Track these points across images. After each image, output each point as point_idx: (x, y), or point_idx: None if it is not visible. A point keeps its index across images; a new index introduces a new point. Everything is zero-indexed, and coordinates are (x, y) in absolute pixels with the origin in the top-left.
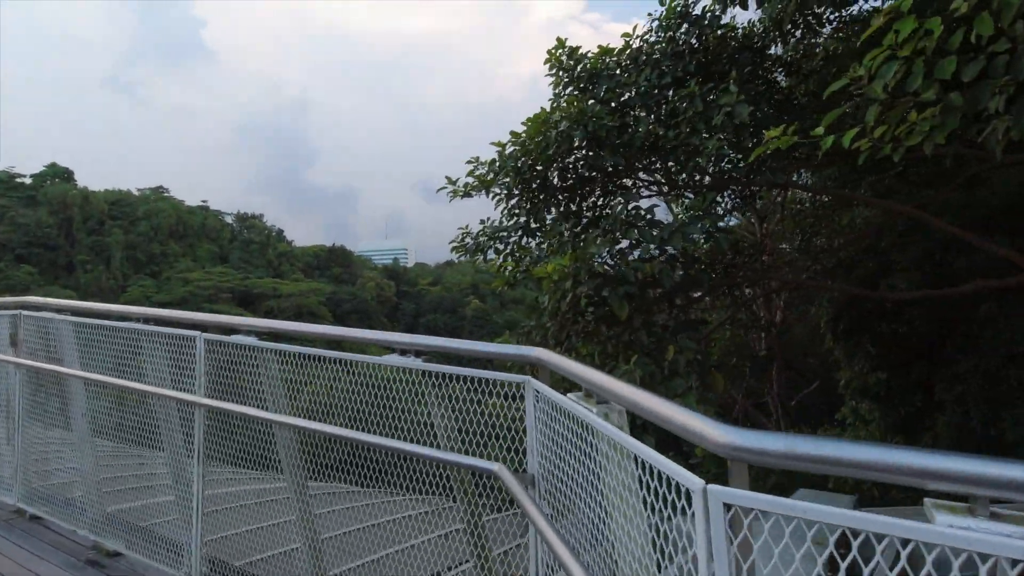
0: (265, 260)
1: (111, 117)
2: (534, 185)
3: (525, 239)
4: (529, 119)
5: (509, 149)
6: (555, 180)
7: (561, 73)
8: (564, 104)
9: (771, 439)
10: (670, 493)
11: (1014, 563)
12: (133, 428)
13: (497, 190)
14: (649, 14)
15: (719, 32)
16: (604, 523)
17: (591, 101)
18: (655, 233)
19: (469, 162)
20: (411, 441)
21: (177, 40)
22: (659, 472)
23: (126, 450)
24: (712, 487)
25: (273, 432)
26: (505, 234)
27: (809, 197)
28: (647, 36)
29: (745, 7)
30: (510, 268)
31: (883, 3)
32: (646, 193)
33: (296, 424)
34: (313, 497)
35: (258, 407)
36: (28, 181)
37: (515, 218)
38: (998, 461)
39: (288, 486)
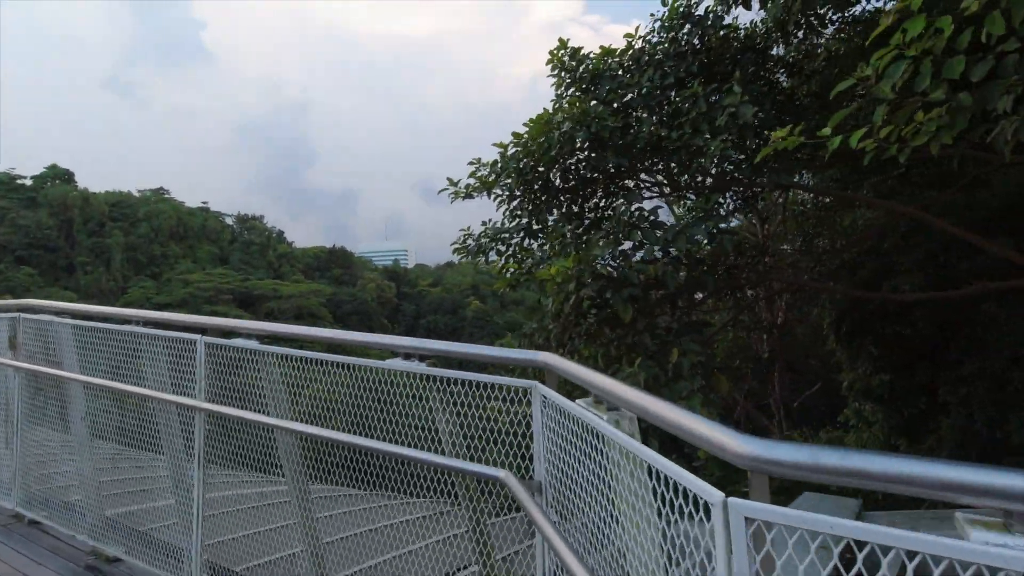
0: (265, 261)
1: (111, 118)
2: (536, 186)
3: (527, 240)
4: (531, 120)
5: (511, 150)
6: (557, 181)
7: (563, 74)
8: (566, 105)
9: (795, 450)
10: (687, 505)
11: None
12: (133, 431)
13: (499, 191)
14: (652, 14)
15: (721, 33)
16: (615, 533)
17: (593, 102)
18: (658, 235)
19: (471, 163)
20: (414, 446)
21: (177, 41)
22: (675, 483)
23: (126, 453)
24: (733, 500)
25: (274, 435)
26: (507, 235)
27: (811, 198)
28: (649, 37)
29: (748, 7)
30: (512, 270)
31: (885, 3)
32: (647, 194)
33: (299, 430)
34: (314, 500)
35: (259, 411)
36: (29, 183)
37: (517, 219)
38: None
39: (289, 489)
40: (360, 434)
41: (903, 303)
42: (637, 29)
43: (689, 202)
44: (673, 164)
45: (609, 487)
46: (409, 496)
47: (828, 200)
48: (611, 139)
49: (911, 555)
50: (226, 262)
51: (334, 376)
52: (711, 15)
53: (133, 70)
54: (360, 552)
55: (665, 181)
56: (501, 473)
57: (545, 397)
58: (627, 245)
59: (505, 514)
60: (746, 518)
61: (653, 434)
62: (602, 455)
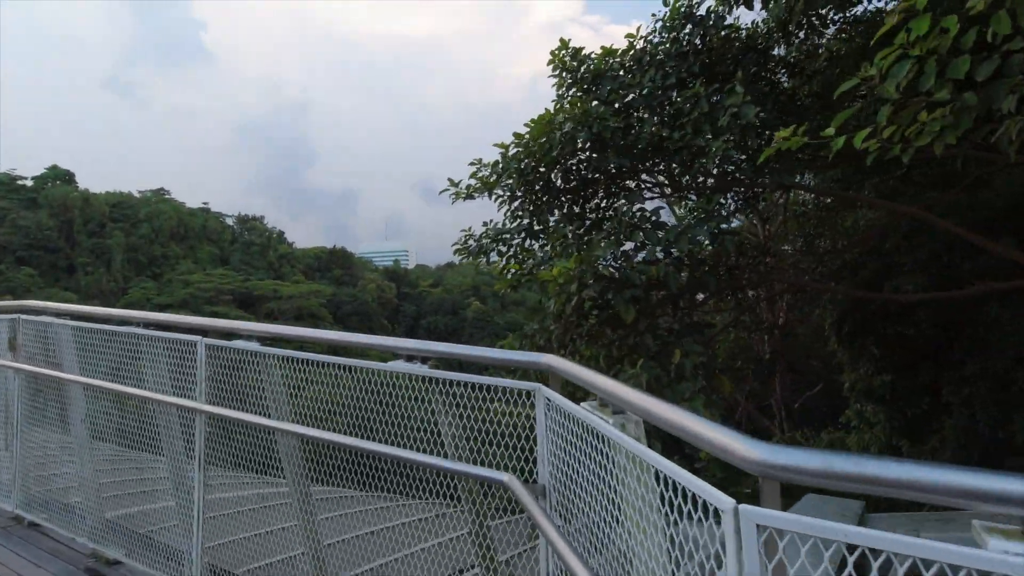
0: (266, 262)
1: (111, 118)
2: (537, 187)
3: (528, 241)
4: (533, 120)
5: (512, 150)
6: (558, 182)
7: (564, 74)
8: (568, 105)
9: (807, 456)
10: (695, 511)
11: None
12: (133, 432)
13: (500, 192)
14: (653, 15)
15: (723, 33)
16: (621, 539)
17: (595, 102)
18: (660, 235)
19: (472, 163)
20: (416, 448)
21: (176, 41)
22: (683, 488)
23: (126, 454)
24: (744, 507)
25: (275, 437)
26: (508, 236)
27: (812, 199)
28: (651, 37)
29: (751, 7)
30: (513, 271)
31: (886, 3)
32: (648, 195)
33: (302, 433)
34: (315, 502)
35: (260, 413)
36: (29, 183)
37: (518, 220)
38: None
39: (290, 491)
40: (362, 436)
41: (905, 303)
42: (639, 29)
43: (690, 203)
44: (674, 165)
45: (615, 491)
46: (411, 498)
47: (829, 200)
48: (612, 139)
49: (927, 564)
50: (227, 263)
51: (336, 378)
52: (713, 15)
53: (133, 70)
54: (362, 554)
55: (666, 182)
56: (505, 477)
57: (549, 400)
58: (629, 246)
59: (508, 515)
60: (758, 525)
61: (655, 435)
62: (608, 459)
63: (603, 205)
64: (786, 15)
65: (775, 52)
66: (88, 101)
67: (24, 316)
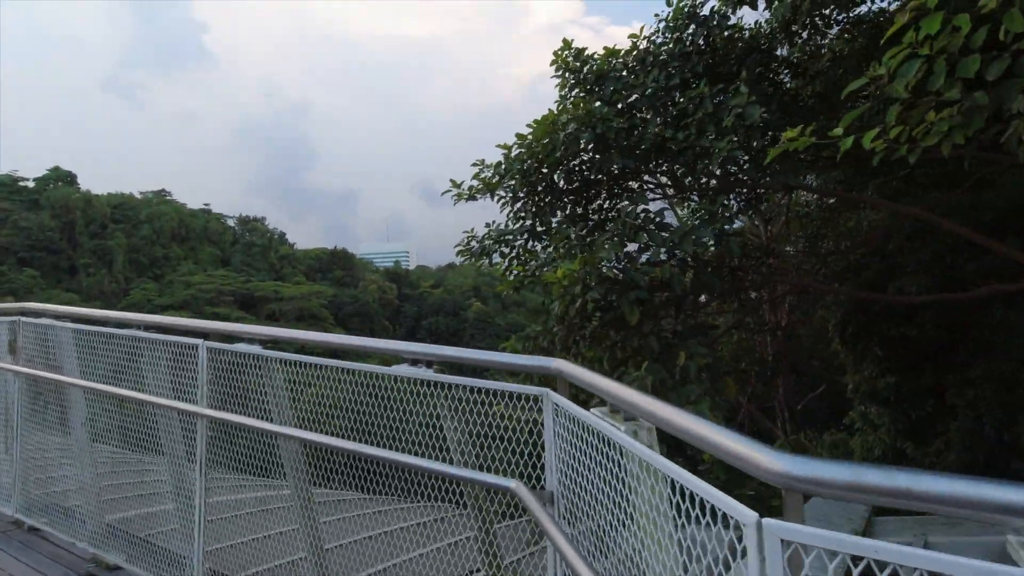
0: (267, 263)
1: (112, 119)
2: (539, 188)
3: (531, 242)
4: (536, 121)
5: (515, 151)
6: (561, 183)
7: (567, 74)
8: (571, 106)
9: (835, 468)
10: (714, 523)
11: None
12: (134, 434)
13: (502, 193)
14: (656, 15)
15: (726, 33)
16: (634, 549)
17: (598, 103)
18: (665, 236)
19: (474, 164)
20: (420, 449)
21: (177, 41)
22: (702, 500)
23: (126, 456)
24: (768, 521)
25: (277, 440)
26: (511, 237)
27: (815, 199)
28: (654, 37)
29: (755, 7)
30: (516, 272)
31: (889, 3)
32: (650, 196)
33: (305, 438)
34: (317, 505)
35: (263, 418)
36: (31, 185)
37: (521, 221)
38: None
39: (292, 494)
40: (365, 439)
41: (909, 305)
42: (642, 30)
43: (693, 204)
44: (677, 165)
45: (628, 500)
46: (414, 501)
47: (832, 201)
48: (616, 140)
49: None
50: (228, 264)
51: (338, 380)
52: (716, 15)
53: (133, 71)
54: (364, 557)
55: (669, 183)
56: (512, 484)
57: (557, 405)
58: (632, 247)
59: (512, 518)
60: (783, 540)
61: (660, 437)
62: (619, 467)
63: (606, 206)
64: (791, 14)
65: (778, 52)
66: (89, 102)
67: (24, 318)
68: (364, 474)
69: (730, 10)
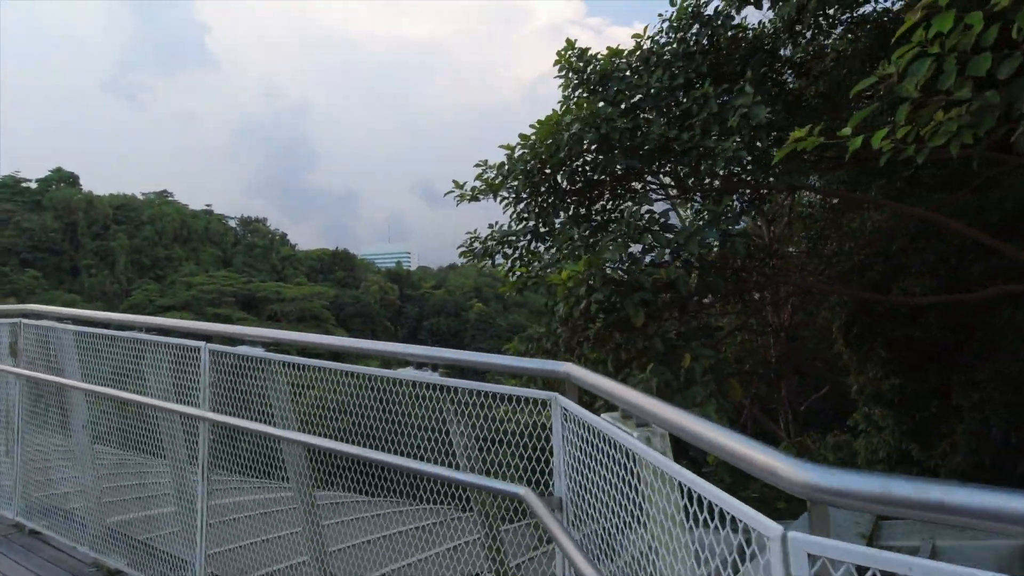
0: (269, 264)
1: (112, 120)
2: (543, 188)
3: (534, 243)
4: (539, 121)
5: (518, 152)
6: (564, 183)
7: (571, 75)
8: (574, 106)
9: (861, 479)
10: (735, 535)
11: None
12: (135, 436)
13: (505, 194)
14: (660, 15)
15: (730, 33)
16: (647, 559)
17: (601, 103)
18: (669, 237)
19: (477, 165)
20: (426, 452)
21: (177, 42)
22: (721, 510)
23: (127, 458)
24: (794, 535)
25: (280, 443)
26: (514, 238)
27: (818, 200)
28: (657, 37)
29: (759, 7)
30: (519, 273)
31: (893, 3)
32: (654, 197)
33: (309, 442)
34: (320, 507)
35: (265, 421)
36: (33, 186)
37: (524, 222)
38: None
39: (295, 496)
40: (369, 443)
41: (914, 306)
42: (645, 29)
43: (696, 204)
44: (681, 166)
45: (640, 508)
46: (419, 504)
47: (835, 202)
48: (620, 141)
49: None
50: (229, 265)
51: (343, 384)
52: (720, 15)
53: (134, 72)
54: (368, 560)
55: (672, 183)
56: (521, 490)
57: (566, 410)
58: (636, 248)
59: (518, 520)
60: (809, 555)
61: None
62: (632, 474)
63: (609, 207)
64: (795, 14)
65: (782, 52)
66: (90, 103)
67: (25, 320)
68: (368, 477)
69: (734, 10)
